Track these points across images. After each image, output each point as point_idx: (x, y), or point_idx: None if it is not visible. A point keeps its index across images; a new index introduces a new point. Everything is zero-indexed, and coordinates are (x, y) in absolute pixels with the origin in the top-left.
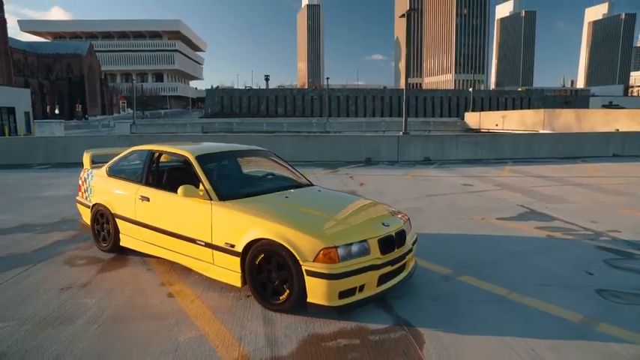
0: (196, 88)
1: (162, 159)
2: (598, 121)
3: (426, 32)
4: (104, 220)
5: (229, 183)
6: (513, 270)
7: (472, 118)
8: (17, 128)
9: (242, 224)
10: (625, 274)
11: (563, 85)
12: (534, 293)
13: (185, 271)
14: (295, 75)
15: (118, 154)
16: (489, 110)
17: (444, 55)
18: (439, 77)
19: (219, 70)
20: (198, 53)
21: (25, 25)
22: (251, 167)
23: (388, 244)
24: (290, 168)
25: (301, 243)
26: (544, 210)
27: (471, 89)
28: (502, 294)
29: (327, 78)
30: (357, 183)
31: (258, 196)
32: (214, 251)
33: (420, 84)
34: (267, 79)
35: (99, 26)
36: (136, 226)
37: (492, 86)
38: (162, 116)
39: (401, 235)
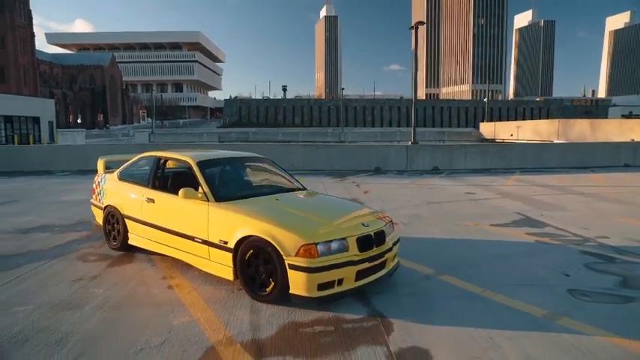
0: (215, 98)
1: (168, 165)
2: (613, 131)
3: (443, 42)
4: (115, 221)
5: (226, 186)
6: (493, 271)
7: (487, 129)
8: (41, 137)
9: (234, 223)
10: (601, 275)
11: (584, 95)
12: (507, 291)
13: (185, 268)
14: (313, 85)
15: (130, 160)
16: (507, 120)
17: (461, 65)
18: (456, 87)
19: (237, 81)
20: (217, 64)
21: (52, 38)
22: (249, 173)
23: (366, 242)
24: (285, 174)
25: (284, 239)
26: (539, 217)
27: (486, 99)
28: (476, 292)
29: (343, 88)
30: (361, 191)
31: (251, 198)
32: (210, 248)
33: (437, 94)
34: (284, 89)
35: (121, 38)
36: (142, 225)
37: (511, 96)
38: (180, 126)
39: (380, 235)
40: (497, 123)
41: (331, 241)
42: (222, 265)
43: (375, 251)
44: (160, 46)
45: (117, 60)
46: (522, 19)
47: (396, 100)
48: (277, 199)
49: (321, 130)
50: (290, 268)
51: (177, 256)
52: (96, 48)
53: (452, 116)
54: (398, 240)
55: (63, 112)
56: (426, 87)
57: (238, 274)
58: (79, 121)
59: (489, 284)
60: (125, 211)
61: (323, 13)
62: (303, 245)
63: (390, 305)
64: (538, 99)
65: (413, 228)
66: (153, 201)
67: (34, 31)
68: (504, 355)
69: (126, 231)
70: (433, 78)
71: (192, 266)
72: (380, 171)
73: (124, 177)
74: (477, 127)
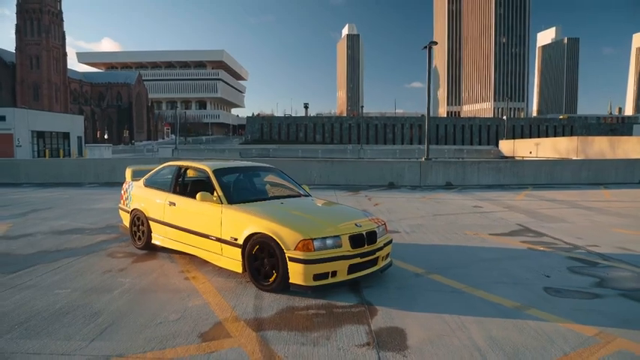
0: (237, 116)
1: (188, 173)
2: (632, 148)
3: (465, 60)
4: (140, 223)
5: (238, 191)
6: (479, 271)
7: (506, 146)
8: (70, 151)
9: (244, 222)
10: (579, 277)
11: (610, 113)
12: (486, 288)
13: (201, 263)
14: (334, 102)
15: (154, 169)
16: (530, 138)
17: (482, 83)
18: (478, 105)
19: (259, 98)
20: (241, 82)
21: (83, 57)
22: (259, 180)
23: (358, 240)
24: (291, 182)
25: (286, 235)
26: (538, 228)
27: (505, 117)
28: (458, 288)
29: (362, 106)
30: (372, 203)
31: (259, 201)
32: (222, 244)
33: (459, 112)
34: (306, 107)
35: (147, 57)
36: (164, 226)
37: (534, 114)
38: (203, 142)
39: (371, 235)
40: (517, 140)
41: (326, 237)
42: (233, 260)
43: (366, 248)
44: (185, 65)
45: (143, 78)
46: (545, 37)
47: (417, 117)
48: (282, 203)
49: (341, 147)
50: (290, 260)
51: (194, 253)
52: (124, 66)
53: (473, 134)
54: (390, 241)
55: (91, 128)
56: (448, 105)
57: (246, 267)
58: (105, 136)
59: (472, 282)
60: (149, 214)
61: (345, 31)
62: (301, 240)
63: (378, 296)
64: (562, 117)
65: (413, 236)
66: (174, 204)
67: (66, 50)
68: (469, 334)
69: (149, 231)
70: (454, 96)
71: (207, 262)
72: (394, 186)
73: (149, 184)
74: (498, 144)
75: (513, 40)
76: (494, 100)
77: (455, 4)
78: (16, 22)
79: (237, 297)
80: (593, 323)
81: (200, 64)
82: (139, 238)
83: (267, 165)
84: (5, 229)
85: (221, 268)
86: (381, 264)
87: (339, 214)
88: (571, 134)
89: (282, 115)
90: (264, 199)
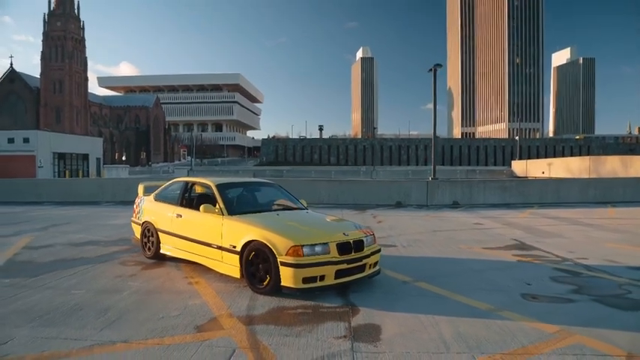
0: (253, 138)
1: (195, 188)
2: None
3: (479, 82)
4: (150, 234)
5: (238, 204)
6: (464, 280)
7: (519, 167)
8: (89, 172)
9: (242, 231)
10: (559, 285)
11: (630, 132)
12: (467, 293)
13: (205, 271)
14: (349, 124)
15: (164, 184)
16: (543, 159)
17: (497, 104)
18: (492, 126)
19: (275, 120)
20: (256, 105)
21: (103, 82)
22: (259, 194)
23: (345, 248)
24: (289, 197)
25: (278, 242)
26: (533, 243)
27: (517, 137)
28: (440, 293)
29: (375, 128)
30: (376, 221)
31: (257, 213)
32: (223, 252)
33: (474, 133)
34: (320, 129)
35: (165, 80)
36: (172, 237)
37: (551, 134)
38: (219, 164)
39: (358, 243)
40: (529, 161)
41: (315, 244)
42: (232, 266)
43: (353, 255)
44: (201, 88)
45: (161, 101)
46: (560, 57)
47: (431, 139)
48: (278, 214)
49: (354, 168)
50: (281, 265)
51: (197, 261)
52: (142, 90)
53: (488, 155)
54: (378, 250)
55: (110, 150)
56: (462, 126)
57: (243, 272)
58: (123, 158)
59: (454, 288)
60: (158, 226)
61: (359, 54)
62: (292, 247)
63: (363, 299)
64: (578, 137)
65: (409, 249)
66: (181, 216)
67: (87, 75)
68: (439, 330)
69: (158, 242)
70: (469, 117)
71: (210, 270)
72: (401, 205)
73: (159, 198)
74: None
75: (527, 60)
76: (509, 121)
77: (468, 25)
78: (41, 49)
79: (233, 298)
80: (557, 322)
81: (216, 87)
82: (149, 249)
83: (268, 181)
84: (27, 240)
85: (222, 274)
86: (369, 271)
87: (330, 224)
88: (588, 154)
89: (297, 138)
90: (262, 211)
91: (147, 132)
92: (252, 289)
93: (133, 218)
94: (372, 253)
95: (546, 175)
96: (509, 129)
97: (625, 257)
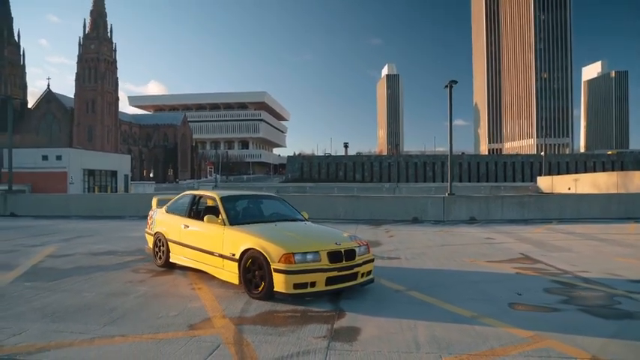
0: (279, 155)
1: (202, 201)
2: None
3: (505, 97)
4: (161, 244)
5: (239, 214)
6: (456, 290)
7: (544, 182)
8: (117, 188)
9: (240, 240)
10: (550, 296)
11: None
12: (455, 302)
13: (209, 279)
14: (374, 141)
15: (175, 197)
16: (569, 174)
17: (524, 119)
18: (520, 142)
19: (301, 137)
20: (282, 122)
21: (133, 101)
22: (262, 206)
23: (336, 256)
24: (291, 209)
25: (272, 250)
26: (538, 257)
27: (542, 153)
28: (429, 301)
29: (397, 145)
30: (387, 235)
31: (256, 224)
32: (224, 260)
33: (501, 149)
34: (346, 146)
35: (193, 99)
36: (180, 246)
37: (582, 150)
38: (244, 181)
39: (350, 253)
40: (555, 177)
41: (307, 252)
42: (231, 273)
43: (343, 264)
44: (228, 106)
45: (188, 119)
46: (591, 71)
47: (457, 155)
48: (275, 225)
49: (377, 185)
50: (274, 271)
51: (202, 268)
52: (171, 108)
53: (515, 171)
54: (371, 260)
55: (138, 167)
56: (489, 142)
57: (241, 278)
58: (151, 175)
59: (444, 297)
60: (169, 236)
61: (384, 71)
62: (284, 254)
63: (353, 305)
64: (610, 152)
65: (412, 262)
66: (188, 227)
67: (118, 95)
68: (415, 333)
69: (168, 251)
70: (495, 133)
71: (214, 278)
72: (417, 221)
73: (170, 210)
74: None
75: (555, 75)
76: (537, 137)
77: (493, 40)
78: (76, 71)
79: (230, 302)
80: (533, 328)
81: (243, 105)
82: (160, 257)
83: (272, 194)
84: (52, 250)
85: (224, 281)
86: (361, 279)
87: (323, 234)
88: (622, 169)
89: (322, 155)
90: (262, 222)
91: (174, 149)
92: (249, 295)
93: (146, 229)
94: (365, 262)
95: (572, 191)
96: (537, 145)
97: (629, 271)
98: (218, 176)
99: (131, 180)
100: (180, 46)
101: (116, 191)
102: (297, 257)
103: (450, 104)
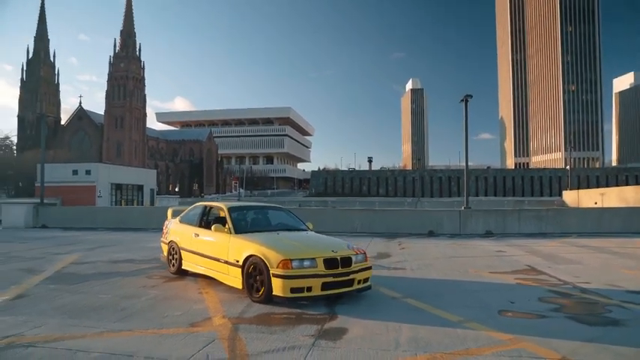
0: (304, 170)
1: (212, 211)
2: None
3: (532, 110)
4: (174, 252)
5: (244, 224)
6: (451, 298)
7: (570, 197)
8: (143, 202)
9: (244, 247)
10: (542, 304)
11: None
12: (446, 308)
13: (217, 284)
14: (399, 155)
15: (188, 208)
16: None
17: (552, 133)
18: (547, 156)
19: (325, 151)
20: (307, 137)
21: (161, 117)
22: (268, 217)
23: (332, 263)
24: (296, 219)
25: (271, 256)
26: (544, 268)
27: (568, 167)
28: (421, 307)
29: (419, 159)
30: (399, 248)
31: (260, 232)
32: (229, 266)
33: (527, 163)
34: (370, 160)
35: (219, 115)
36: (191, 254)
37: (614, 163)
38: (268, 195)
39: (346, 260)
40: (581, 191)
41: (304, 259)
42: (235, 278)
43: (339, 270)
44: (253, 122)
45: (214, 135)
46: (623, 83)
47: (483, 170)
48: (278, 234)
49: (399, 199)
50: (273, 276)
51: (210, 274)
52: (197, 124)
53: (543, 185)
54: (368, 267)
55: (165, 182)
56: (515, 156)
57: (244, 283)
58: (177, 189)
59: (437, 304)
60: (181, 244)
61: (409, 86)
62: (282, 260)
63: (347, 309)
64: None
65: (417, 272)
66: (198, 235)
67: (146, 111)
68: (398, 334)
69: (181, 259)
70: (522, 147)
71: (222, 284)
72: (433, 234)
73: (183, 220)
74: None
75: (584, 87)
76: (565, 151)
77: (519, 53)
78: (106, 89)
79: (232, 304)
80: (513, 332)
81: (268, 121)
82: (173, 265)
83: (278, 205)
84: (76, 257)
85: (230, 287)
86: (357, 286)
87: (321, 243)
88: None
89: (346, 170)
90: (265, 231)
91: (200, 165)
92: (250, 298)
93: (162, 238)
94: (361, 270)
95: (599, 205)
96: (565, 158)
97: (631, 282)
98: (242, 191)
99: (157, 194)
100: (205, 62)
101: (142, 205)
102: (295, 263)
103: (466, 118)
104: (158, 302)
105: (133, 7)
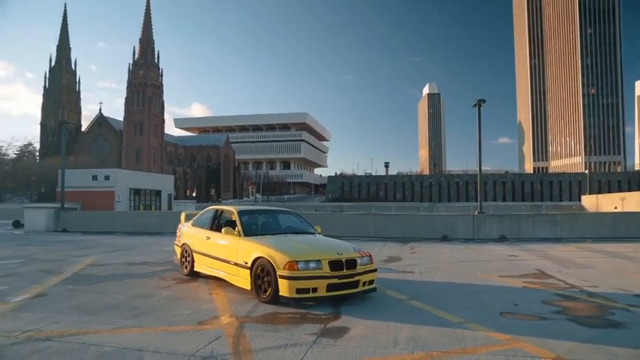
0: (320, 175)
1: (223, 215)
2: None
3: (550, 114)
4: (187, 254)
5: (253, 227)
6: (456, 300)
7: (589, 201)
8: (161, 207)
9: (252, 249)
10: (546, 306)
11: None
12: (448, 309)
13: (227, 285)
14: (416, 160)
15: (200, 212)
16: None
17: (571, 137)
18: (567, 160)
19: (342, 156)
20: (323, 142)
21: (179, 123)
22: (277, 220)
23: (337, 265)
24: (304, 223)
25: (278, 258)
26: (553, 273)
27: (586, 171)
28: (424, 309)
29: (434, 164)
30: (411, 252)
31: (268, 235)
32: (239, 268)
33: (546, 167)
34: (386, 166)
35: (236, 121)
36: (203, 256)
37: (637, 167)
38: (285, 200)
39: (351, 262)
40: (600, 195)
41: (310, 261)
42: (244, 279)
43: (344, 272)
44: (270, 127)
45: (232, 140)
46: None
47: (501, 175)
48: (286, 237)
49: (415, 204)
50: (280, 277)
51: (220, 276)
52: (215, 130)
53: (563, 190)
54: (374, 270)
55: (182, 187)
56: (534, 161)
57: (252, 284)
58: (194, 194)
59: (440, 306)
60: (193, 247)
61: (426, 90)
62: (288, 262)
63: (351, 310)
64: None
65: (425, 275)
66: (209, 238)
67: (164, 117)
68: (398, 333)
69: (193, 261)
70: (541, 151)
71: (231, 285)
72: (447, 239)
73: (195, 224)
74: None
75: (604, 90)
76: (585, 155)
77: (537, 56)
78: (125, 96)
79: (240, 304)
80: (512, 333)
81: (285, 126)
82: (186, 267)
83: (287, 209)
84: (93, 260)
85: (240, 288)
86: (362, 287)
87: (328, 246)
88: None
89: (363, 175)
90: (273, 234)
91: (217, 170)
92: (258, 299)
93: (175, 241)
94: (367, 272)
95: (619, 209)
96: (585, 162)
97: (638, 287)
98: (259, 196)
99: (174, 199)
100: (221, 68)
101: (160, 209)
102: (300, 265)
103: (479, 123)
104: (169, 302)
105: (151, 16)
